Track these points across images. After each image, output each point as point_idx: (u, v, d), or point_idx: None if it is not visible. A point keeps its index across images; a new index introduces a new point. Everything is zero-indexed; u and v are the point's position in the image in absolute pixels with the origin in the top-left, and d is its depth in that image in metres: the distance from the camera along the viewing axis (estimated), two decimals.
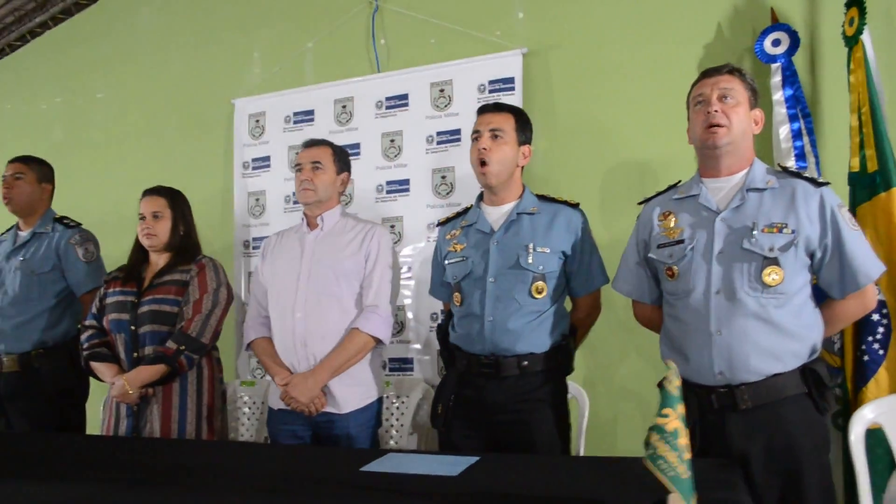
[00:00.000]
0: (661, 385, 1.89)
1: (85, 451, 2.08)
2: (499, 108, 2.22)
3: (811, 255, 1.75)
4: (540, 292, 2.08)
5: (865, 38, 2.31)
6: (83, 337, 2.59)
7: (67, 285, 2.88)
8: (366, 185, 3.40)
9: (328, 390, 2.29)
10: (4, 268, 2.88)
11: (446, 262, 2.26)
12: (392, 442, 2.98)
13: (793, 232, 1.72)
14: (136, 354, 2.45)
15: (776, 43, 2.59)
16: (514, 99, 3.12)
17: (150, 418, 2.43)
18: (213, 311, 2.50)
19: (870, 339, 2.19)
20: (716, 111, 1.78)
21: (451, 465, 1.63)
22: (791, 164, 2.47)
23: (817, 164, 2.47)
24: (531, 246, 2.09)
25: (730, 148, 1.80)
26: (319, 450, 2.23)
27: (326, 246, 2.41)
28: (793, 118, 2.50)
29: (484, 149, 2.12)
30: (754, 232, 1.74)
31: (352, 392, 2.32)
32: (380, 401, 2.41)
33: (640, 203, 2.07)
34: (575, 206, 2.21)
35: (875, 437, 1.95)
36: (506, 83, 3.16)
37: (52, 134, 4.33)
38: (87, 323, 2.63)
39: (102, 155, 4.16)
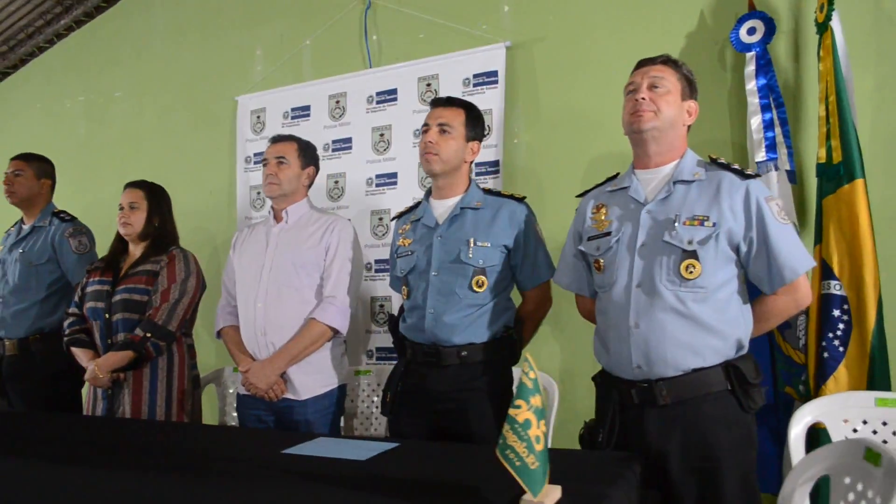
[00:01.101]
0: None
1: (56, 429, 2.20)
2: (450, 102, 2.23)
3: (736, 250, 1.70)
4: (480, 286, 2.08)
5: (835, 24, 2.23)
6: (66, 323, 2.75)
7: (63, 275, 3.03)
8: (357, 177, 3.45)
9: (287, 377, 2.36)
10: (7, 259, 3.06)
11: (396, 255, 2.28)
12: (372, 429, 3.02)
13: (714, 225, 1.68)
14: (109, 341, 2.58)
15: (751, 31, 2.51)
16: (497, 92, 3.13)
17: (123, 401, 2.55)
18: (180, 301, 2.59)
19: (830, 335, 2.11)
20: (643, 98, 1.75)
21: (365, 451, 1.66)
22: (761, 155, 2.39)
23: (790, 155, 2.39)
24: (472, 240, 2.09)
25: (655, 133, 1.76)
26: (256, 432, 2.32)
27: (289, 238, 2.47)
28: (765, 108, 2.42)
29: (430, 142, 2.14)
30: (676, 224, 1.70)
31: (311, 380, 2.37)
32: (341, 388, 2.45)
33: (577, 196, 2.04)
34: (520, 199, 2.21)
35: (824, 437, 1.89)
36: (489, 76, 3.16)
37: (76, 131, 4.53)
38: (70, 311, 2.78)
39: (120, 151, 4.33)
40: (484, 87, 3.17)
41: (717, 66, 2.76)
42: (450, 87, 3.23)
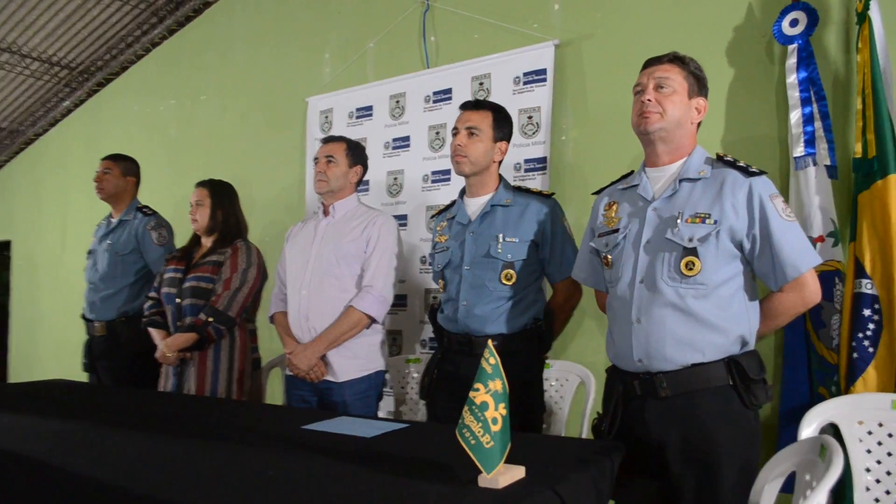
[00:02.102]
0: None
1: (121, 401, 2.50)
2: (478, 105, 2.33)
3: (740, 247, 1.72)
4: (509, 279, 2.19)
5: (874, 13, 2.17)
6: (145, 306, 3.05)
7: (146, 264, 3.34)
8: (414, 174, 3.60)
9: (328, 361, 2.53)
10: (98, 249, 3.41)
11: (434, 251, 2.41)
12: (419, 415, 3.16)
13: (715, 222, 1.70)
14: (178, 323, 2.84)
15: (794, 23, 2.46)
16: (545, 90, 3.19)
17: (189, 378, 2.81)
18: (240, 289, 2.82)
19: (860, 335, 2.06)
20: (648, 100, 1.79)
21: (374, 429, 1.80)
22: (799, 150, 2.35)
23: (831, 149, 2.33)
24: (501, 236, 2.20)
25: (662, 134, 1.80)
26: (287, 409, 2.53)
27: (334, 231, 2.65)
28: (805, 102, 2.37)
29: (459, 145, 2.25)
30: (678, 221, 1.73)
31: (349, 364, 2.53)
32: (378, 374, 2.60)
33: (593, 193, 2.09)
34: (548, 196, 2.28)
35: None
36: (538, 74, 3.22)
37: (168, 132, 4.92)
38: (150, 295, 3.08)
39: (205, 149, 4.68)
40: (533, 84, 3.23)
41: (765, 59, 2.71)
42: (501, 86, 3.32)
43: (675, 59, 1.84)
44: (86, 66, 5.31)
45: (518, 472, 1.30)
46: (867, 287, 2.07)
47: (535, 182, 3.19)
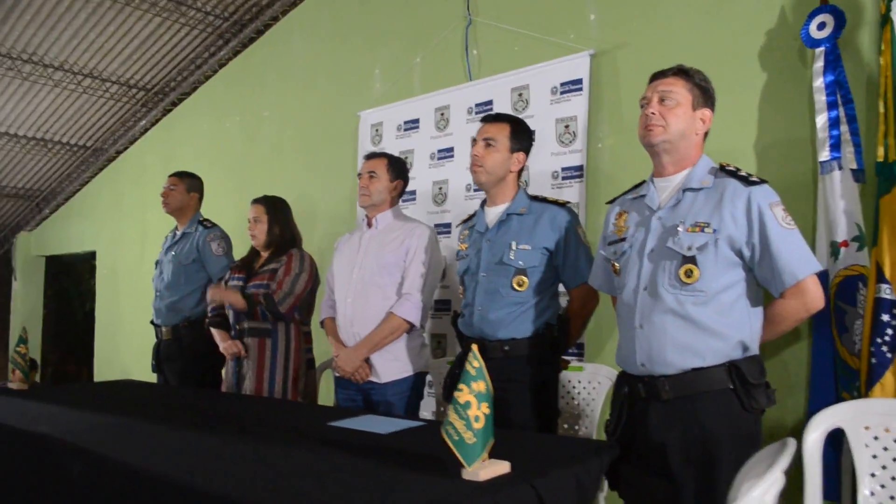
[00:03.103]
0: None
1: (174, 399, 2.75)
2: (497, 118, 2.44)
3: (740, 255, 1.76)
4: (521, 285, 2.27)
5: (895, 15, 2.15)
6: (209, 309, 3.32)
7: (207, 274, 3.58)
8: (458, 184, 3.73)
9: (371, 363, 2.69)
10: (164, 260, 3.69)
11: (457, 258, 2.53)
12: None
13: (714, 231, 1.74)
14: (238, 326, 3.09)
15: (821, 26, 2.45)
16: (581, 99, 3.26)
17: (248, 377, 3.05)
18: (292, 290, 3.04)
19: (878, 340, 2.05)
20: (652, 113, 1.86)
21: (392, 427, 1.94)
22: (825, 154, 2.34)
23: (857, 153, 2.32)
24: (514, 244, 2.30)
25: (666, 146, 1.86)
26: (320, 408, 2.79)
27: (376, 242, 2.81)
28: (831, 105, 2.36)
29: (476, 155, 2.36)
30: (679, 230, 1.79)
31: (390, 366, 2.69)
32: (418, 376, 2.74)
33: (607, 203, 2.16)
34: (563, 205, 2.36)
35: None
36: (574, 84, 3.29)
37: (233, 148, 5.21)
38: None
39: (268, 164, 4.94)
40: (570, 94, 3.30)
41: (798, 62, 2.70)
42: (539, 96, 3.41)
43: (680, 72, 1.90)
44: (160, 87, 5.68)
45: (503, 467, 1.40)
46: (886, 292, 2.05)
47: (573, 190, 3.27)
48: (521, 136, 2.42)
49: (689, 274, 1.75)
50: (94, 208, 6.71)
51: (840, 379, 2.26)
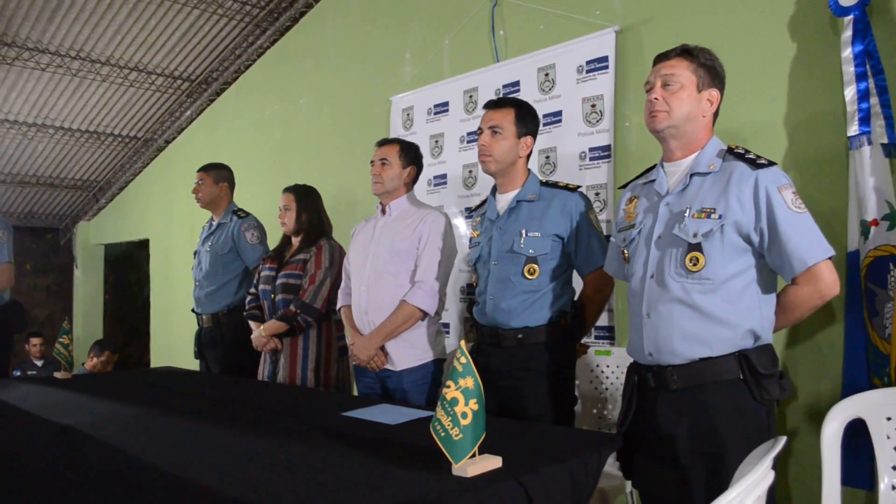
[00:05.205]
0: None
1: (201, 388, 2.88)
2: (499, 103, 2.39)
3: (748, 240, 1.70)
4: (532, 273, 2.25)
5: None
6: (246, 301, 3.42)
7: (243, 263, 3.67)
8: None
9: (387, 351, 2.71)
10: (201, 250, 3.80)
11: (469, 246, 2.52)
12: None
13: (720, 217, 1.69)
14: (273, 316, 3.16)
15: None
16: (607, 77, 3.19)
17: (282, 365, 3.14)
18: (323, 283, 3.10)
19: None
20: (655, 98, 1.81)
21: (402, 417, 1.97)
22: (853, 129, 2.24)
23: (889, 125, 2.20)
24: (524, 231, 2.27)
25: (672, 132, 1.81)
26: (338, 396, 2.81)
27: (389, 230, 2.81)
28: (860, 77, 2.25)
29: (483, 145, 2.33)
30: (685, 216, 1.74)
31: (406, 353, 2.70)
32: (435, 363, 2.74)
33: (619, 188, 2.11)
34: (573, 190, 2.32)
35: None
36: (600, 62, 3.22)
37: (272, 135, 5.30)
38: (250, 290, 3.45)
39: (305, 151, 5.00)
40: (595, 73, 3.24)
41: (830, 32, 2.57)
42: (565, 76, 3.35)
43: (683, 53, 1.84)
44: (203, 77, 5.81)
45: (494, 463, 1.41)
46: None
47: (601, 171, 3.21)
48: (527, 119, 2.37)
49: (694, 262, 1.71)
50: (147, 197, 6.94)
51: (871, 364, 2.17)
